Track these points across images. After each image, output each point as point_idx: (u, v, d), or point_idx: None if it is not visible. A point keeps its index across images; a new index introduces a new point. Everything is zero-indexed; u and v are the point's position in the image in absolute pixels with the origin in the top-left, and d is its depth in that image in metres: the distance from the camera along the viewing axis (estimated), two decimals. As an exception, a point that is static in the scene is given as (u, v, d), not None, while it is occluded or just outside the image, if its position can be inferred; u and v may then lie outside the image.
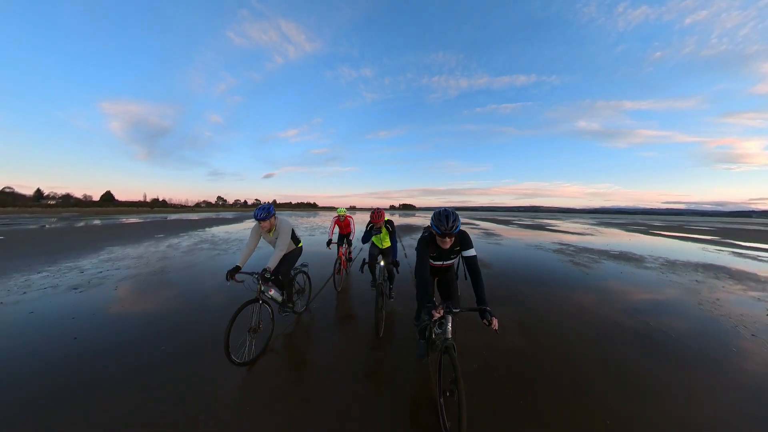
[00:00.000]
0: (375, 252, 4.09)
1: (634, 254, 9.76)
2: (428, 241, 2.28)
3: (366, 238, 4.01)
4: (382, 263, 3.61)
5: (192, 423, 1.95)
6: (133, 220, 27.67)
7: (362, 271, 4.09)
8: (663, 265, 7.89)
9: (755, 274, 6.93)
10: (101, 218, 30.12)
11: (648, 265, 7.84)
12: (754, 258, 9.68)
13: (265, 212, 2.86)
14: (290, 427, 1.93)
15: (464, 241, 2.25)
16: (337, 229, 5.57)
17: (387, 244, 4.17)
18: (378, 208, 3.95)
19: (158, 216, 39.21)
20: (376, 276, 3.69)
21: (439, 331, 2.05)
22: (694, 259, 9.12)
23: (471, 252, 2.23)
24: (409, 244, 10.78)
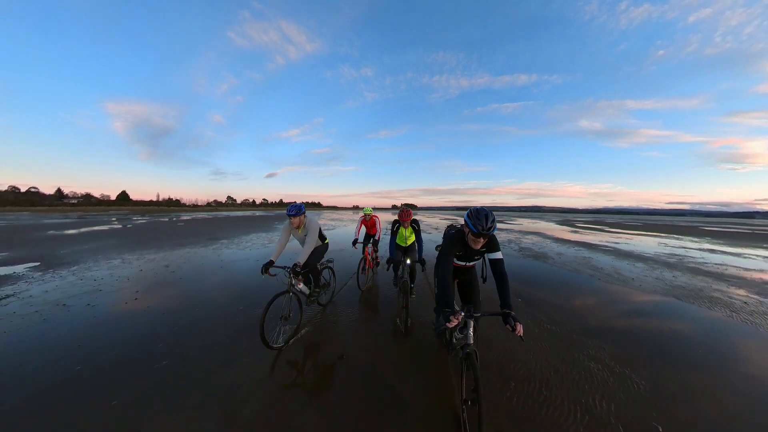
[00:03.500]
0: (399, 250, 4.27)
1: (512, 230, 20.17)
2: (455, 239, 2.21)
3: (392, 242, 4.22)
4: (408, 261, 3.78)
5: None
6: (202, 215, 38.11)
7: (387, 269, 4.52)
8: (516, 232, 18.18)
9: (557, 237, 17.17)
10: (163, 216, 40.13)
11: (509, 233, 18.10)
12: (585, 232, 19.80)
13: (296, 209, 3.25)
14: (313, 410, 2.12)
15: (492, 242, 2.17)
16: (363, 229, 5.74)
17: (411, 240, 4.35)
18: (406, 207, 4.21)
19: (191, 214, 48.84)
20: (399, 273, 3.82)
21: (461, 335, 2.05)
22: (537, 230, 19.39)
23: (498, 255, 2.16)
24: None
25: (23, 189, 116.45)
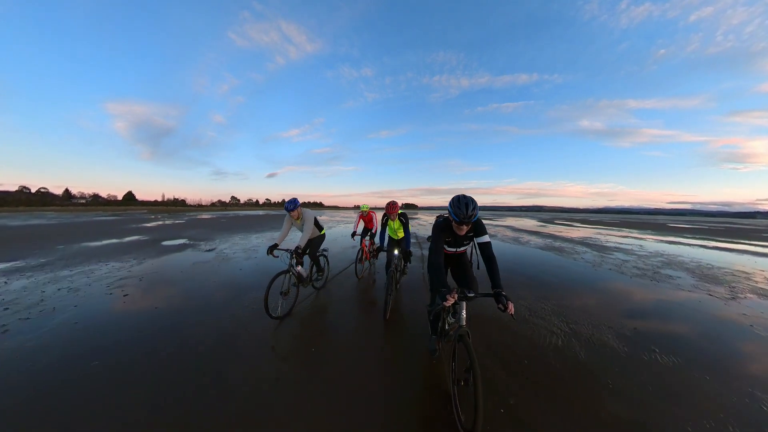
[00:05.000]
0: (391, 242, 4.70)
1: (491, 224, 24.97)
2: (443, 227, 2.37)
3: (382, 233, 4.69)
4: (396, 252, 4.20)
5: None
6: (207, 215, 42.77)
7: (376, 258, 5.29)
8: (494, 225, 22.96)
9: (520, 228, 21.95)
10: (187, 215, 43.99)
11: (487, 227, 22.87)
12: (550, 227, 24.57)
13: (292, 204, 3.87)
14: (304, 368, 2.57)
15: (478, 227, 2.33)
16: (362, 224, 6.54)
17: (402, 234, 4.66)
18: (393, 201, 4.51)
19: (213, 213, 52.85)
20: (392, 263, 4.16)
21: (453, 320, 2.23)
22: (511, 225, 24.18)
23: (485, 238, 2.31)
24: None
25: (33, 189, 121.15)
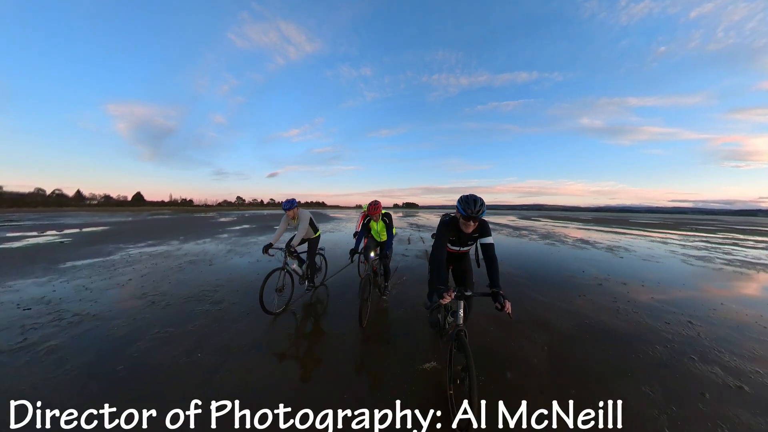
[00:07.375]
0: (372, 244, 4.52)
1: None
2: (449, 224, 2.50)
3: (360, 235, 4.44)
4: (372, 254, 4.08)
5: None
6: (249, 213, 51.14)
7: (351, 261, 4.62)
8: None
9: (491, 222, 30.52)
10: (208, 215, 52.65)
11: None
12: (521, 221, 33.13)
13: (289, 204, 4.10)
14: (298, 364, 2.76)
15: (484, 228, 2.48)
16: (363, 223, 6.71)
17: (385, 237, 4.47)
18: (375, 201, 4.35)
19: (234, 213, 59.90)
20: (368, 267, 4.08)
21: (452, 319, 2.31)
22: (489, 220, 32.68)
23: (489, 240, 2.45)
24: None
25: (48, 191, 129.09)
